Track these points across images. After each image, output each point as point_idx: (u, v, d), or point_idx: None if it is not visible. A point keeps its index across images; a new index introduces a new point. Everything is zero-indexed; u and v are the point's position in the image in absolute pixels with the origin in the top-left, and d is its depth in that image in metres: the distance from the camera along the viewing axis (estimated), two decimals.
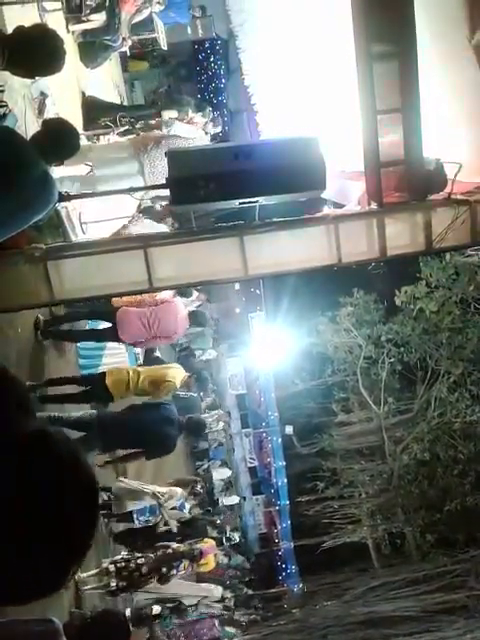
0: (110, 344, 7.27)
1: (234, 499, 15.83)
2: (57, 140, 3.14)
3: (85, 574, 6.05)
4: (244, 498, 19.84)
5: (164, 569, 6.67)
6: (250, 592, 16.21)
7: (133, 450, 6.44)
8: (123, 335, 6.17)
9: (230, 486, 16.36)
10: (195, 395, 10.42)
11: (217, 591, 9.31)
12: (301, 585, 18.57)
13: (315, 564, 18.09)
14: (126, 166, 5.76)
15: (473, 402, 15.32)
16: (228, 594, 12.12)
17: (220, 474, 15.14)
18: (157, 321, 6.20)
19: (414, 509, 16.61)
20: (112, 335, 6.29)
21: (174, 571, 6.84)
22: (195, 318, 7.16)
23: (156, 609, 7.62)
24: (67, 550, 0.98)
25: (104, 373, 6.27)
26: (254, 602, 16.02)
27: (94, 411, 6.00)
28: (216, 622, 10.16)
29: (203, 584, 9.51)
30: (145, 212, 6.42)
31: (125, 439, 6.03)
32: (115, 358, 7.63)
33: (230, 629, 10.54)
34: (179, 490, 7.55)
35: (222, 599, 10.83)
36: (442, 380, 15.77)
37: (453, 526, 16.06)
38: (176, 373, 6.51)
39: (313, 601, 16.93)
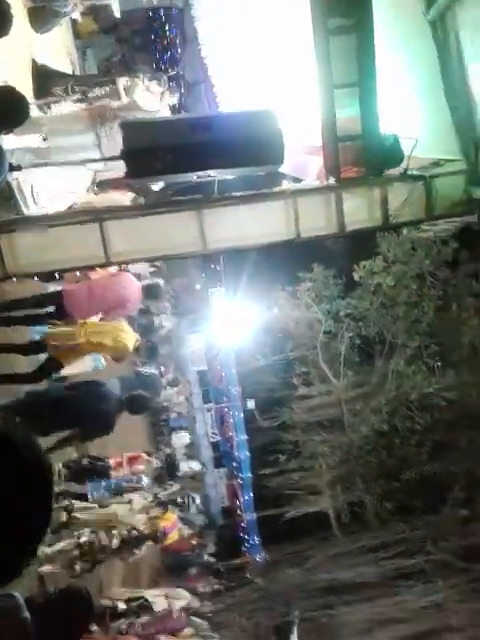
0: None
1: (195, 465, 15.94)
2: (5, 108, 3.02)
3: (50, 550, 6.02)
4: (204, 465, 20.03)
5: (127, 551, 6.70)
6: (213, 560, 16.47)
7: (69, 431, 6.23)
8: (72, 310, 5.97)
9: (191, 452, 16.51)
10: (156, 373, 10.37)
11: (185, 597, 9.28)
12: (264, 555, 18.93)
13: (277, 535, 18.44)
14: (82, 138, 5.59)
15: (429, 374, 15.71)
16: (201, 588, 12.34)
17: (180, 439, 15.24)
18: (103, 290, 5.96)
19: (373, 478, 17.06)
20: (61, 314, 6.08)
21: (137, 551, 6.89)
22: (149, 291, 6.99)
23: (121, 607, 7.72)
24: (23, 540, 1.01)
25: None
26: (218, 571, 16.30)
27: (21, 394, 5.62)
28: (183, 614, 10.30)
29: (174, 591, 9.54)
30: (100, 185, 6.27)
31: (59, 420, 5.59)
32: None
33: (197, 619, 10.69)
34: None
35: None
36: (399, 353, 16.10)
37: (410, 494, 16.57)
38: (126, 333, 6.32)
39: (276, 570, 17.32)
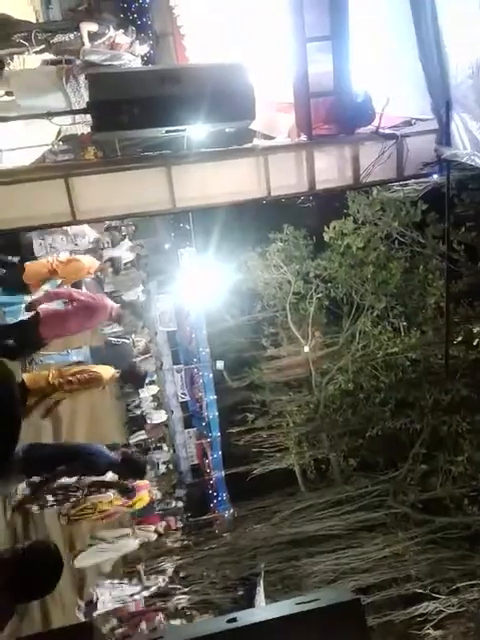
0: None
1: (162, 416, 16.11)
2: None
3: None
4: (172, 412, 20.23)
5: (92, 489, 6.79)
6: (181, 505, 16.80)
7: None
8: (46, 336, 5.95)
9: (158, 402, 16.63)
10: (128, 341, 10.30)
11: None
12: (232, 511, 19.36)
13: (245, 491, 18.85)
14: (51, 97, 5.36)
15: (395, 334, 16.01)
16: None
17: (149, 391, 15.36)
18: (80, 324, 6.03)
19: (338, 436, 17.48)
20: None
21: (103, 492, 6.97)
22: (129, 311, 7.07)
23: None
24: None
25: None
26: (185, 519, 16.66)
27: None
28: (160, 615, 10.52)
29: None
30: (66, 140, 6.08)
31: None
32: None
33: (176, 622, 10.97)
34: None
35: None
36: (366, 314, 16.32)
37: (374, 450, 17.07)
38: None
39: (243, 525, 17.77)
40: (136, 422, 15.51)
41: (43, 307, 5.94)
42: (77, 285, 7.12)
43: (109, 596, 8.68)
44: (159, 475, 16.23)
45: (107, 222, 9.32)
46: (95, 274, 7.48)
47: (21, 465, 5.12)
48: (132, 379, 6.69)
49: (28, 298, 6.49)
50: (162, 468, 16.77)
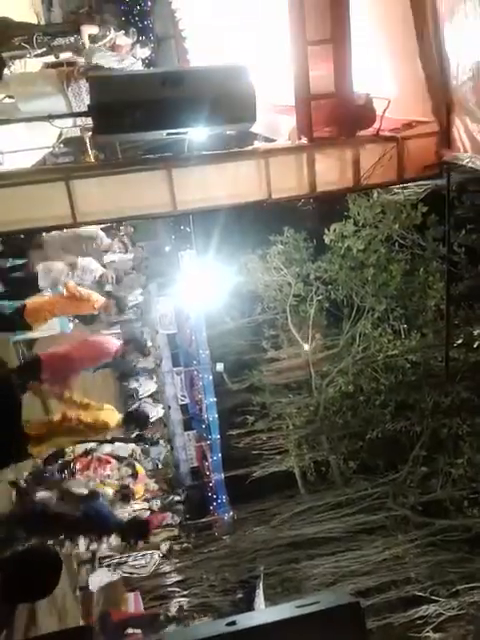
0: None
1: (159, 411, 16.08)
2: None
3: None
4: (169, 407, 20.14)
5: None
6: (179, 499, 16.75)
7: None
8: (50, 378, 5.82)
9: (155, 398, 16.60)
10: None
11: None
12: (231, 514, 19.32)
13: (245, 494, 18.82)
14: (52, 100, 5.37)
15: (395, 336, 16.00)
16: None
17: (146, 386, 15.33)
18: (82, 360, 5.94)
19: (338, 438, 17.46)
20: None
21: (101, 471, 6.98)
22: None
23: None
24: None
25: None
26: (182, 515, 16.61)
27: None
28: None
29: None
30: (67, 143, 6.09)
31: None
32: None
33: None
34: None
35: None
36: (367, 316, 16.32)
37: (374, 453, 17.05)
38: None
39: (243, 528, 17.72)
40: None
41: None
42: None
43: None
44: (156, 469, 16.14)
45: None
46: (99, 311, 7.15)
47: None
48: (136, 421, 6.45)
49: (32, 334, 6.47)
50: (159, 463, 16.66)
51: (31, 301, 6.34)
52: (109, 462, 7.27)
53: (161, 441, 17.17)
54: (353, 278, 15.93)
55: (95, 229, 7.04)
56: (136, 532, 6.21)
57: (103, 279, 7.16)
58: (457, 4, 3.65)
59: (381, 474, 16.65)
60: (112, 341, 6.25)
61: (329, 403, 17.39)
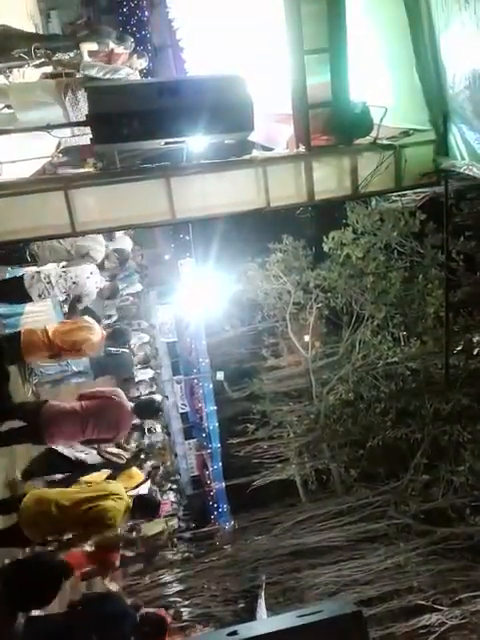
0: (30, 307, 6.70)
1: (148, 372, 15.93)
2: None
3: None
4: (167, 397, 19.94)
5: None
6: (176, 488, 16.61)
7: None
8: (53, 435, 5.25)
9: (148, 360, 16.47)
10: (127, 351, 10.16)
11: None
12: (232, 523, 19.25)
13: (246, 502, 18.75)
14: (50, 111, 5.39)
15: (395, 344, 15.98)
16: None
17: (145, 374, 15.15)
18: (96, 419, 5.31)
19: (339, 446, 17.40)
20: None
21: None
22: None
23: None
24: None
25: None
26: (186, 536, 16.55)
27: None
28: None
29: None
30: (66, 152, 6.11)
31: None
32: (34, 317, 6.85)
33: None
34: None
35: None
36: (366, 324, 16.30)
37: (375, 461, 16.98)
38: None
39: (244, 537, 17.64)
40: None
41: (49, 404, 5.31)
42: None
43: None
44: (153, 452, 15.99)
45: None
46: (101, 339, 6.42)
47: None
48: (144, 510, 5.40)
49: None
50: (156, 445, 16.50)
51: (26, 330, 5.89)
52: None
53: (158, 427, 17.06)
54: (352, 285, 15.94)
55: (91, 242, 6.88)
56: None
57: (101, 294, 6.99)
58: (453, 15, 3.68)
59: (382, 482, 16.58)
60: (125, 401, 5.58)
61: (329, 411, 17.35)
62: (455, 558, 14.38)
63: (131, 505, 4.87)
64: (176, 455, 20.31)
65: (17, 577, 2.66)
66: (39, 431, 5.14)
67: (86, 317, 6.23)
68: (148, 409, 6.15)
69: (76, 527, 4.48)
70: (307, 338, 17.73)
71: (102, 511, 4.48)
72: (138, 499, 5.09)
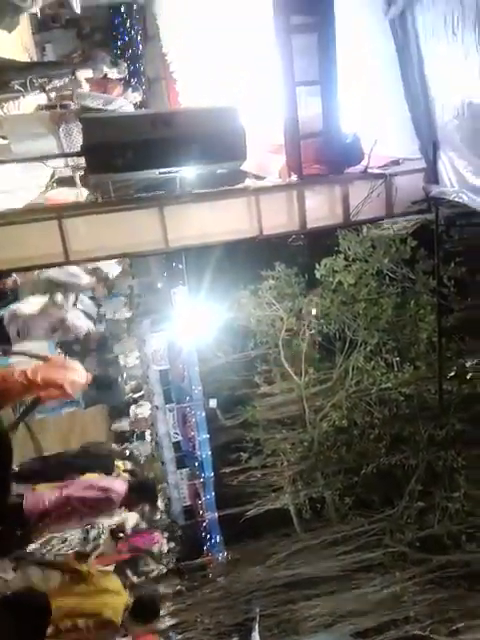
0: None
1: (146, 409, 15.86)
2: None
3: None
4: (157, 407, 19.74)
5: None
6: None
7: None
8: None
9: (141, 395, 16.35)
10: (119, 380, 10.07)
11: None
12: (225, 554, 18.92)
13: (239, 533, 18.46)
14: (44, 142, 5.43)
15: (388, 369, 15.99)
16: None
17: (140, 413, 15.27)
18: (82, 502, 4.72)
19: (333, 473, 17.26)
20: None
21: None
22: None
23: None
24: None
25: None
26: (178, 569, 16.24)
27: None
28: None
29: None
30: (60, 183, 6.14)
31: None
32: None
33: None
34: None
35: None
36: (359, 350, 16.33)
37: (369, 488, 16.84)
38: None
39: (237, 568, 17.34)
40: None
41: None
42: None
43: None
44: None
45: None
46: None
47: None
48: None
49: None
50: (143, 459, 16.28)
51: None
52: None
53: (147, 435, 16.92)
54: (345, 312, 16.00)
55: (73, 271, 6.58)
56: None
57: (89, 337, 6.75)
58: (441, 45, 3.77)
59: (377, 510, 16.42)
60: (120, 486, 4.94)
61: (323, 438, 17.25)
62: (452, 586, 14.18)
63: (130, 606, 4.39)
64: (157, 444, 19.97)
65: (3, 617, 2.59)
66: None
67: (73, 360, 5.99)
68: (145, 491, 5.46)
69: None
70: (300, 365, 17.70)
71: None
72: (138, 601, 4.57)
